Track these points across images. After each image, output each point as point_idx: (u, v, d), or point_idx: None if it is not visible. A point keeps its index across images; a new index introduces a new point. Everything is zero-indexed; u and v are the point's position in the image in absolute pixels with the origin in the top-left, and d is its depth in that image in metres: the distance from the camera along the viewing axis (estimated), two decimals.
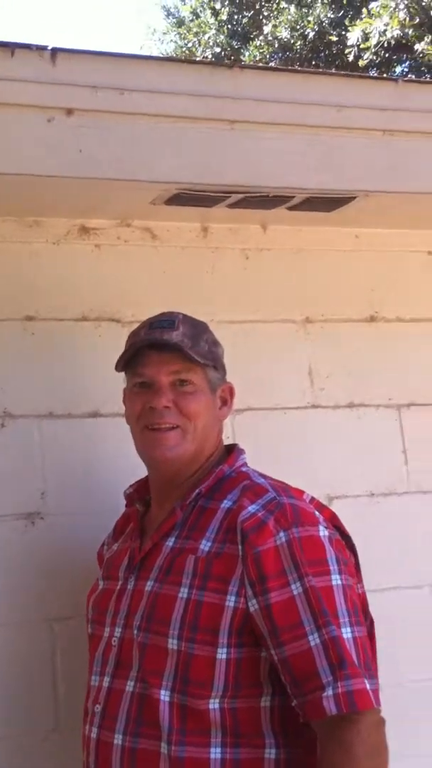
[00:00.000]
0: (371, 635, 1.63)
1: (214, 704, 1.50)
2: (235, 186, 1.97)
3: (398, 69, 10.43)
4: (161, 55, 11.48)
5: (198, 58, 11.28)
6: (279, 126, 1.95)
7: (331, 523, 1.63)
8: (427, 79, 8.21)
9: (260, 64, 10.18)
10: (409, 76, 9.94)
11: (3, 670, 1.91)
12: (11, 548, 1.95)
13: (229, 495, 1.60)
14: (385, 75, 9.41)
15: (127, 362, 1.71)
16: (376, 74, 9.66)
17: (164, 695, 1.51)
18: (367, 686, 1.45)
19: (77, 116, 1.82)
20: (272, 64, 11.15)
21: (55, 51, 1.80)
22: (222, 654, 1.50)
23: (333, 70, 8.80)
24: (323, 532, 1.55)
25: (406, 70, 10.38)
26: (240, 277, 2.23)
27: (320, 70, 7.78)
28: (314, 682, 1.45)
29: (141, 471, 1.77)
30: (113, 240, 2.14)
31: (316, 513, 1.60)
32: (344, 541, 1.64)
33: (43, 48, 1.79)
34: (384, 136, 2.04)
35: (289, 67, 7.79)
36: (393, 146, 2.05)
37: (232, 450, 1.73)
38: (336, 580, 1.51)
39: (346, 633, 1.47)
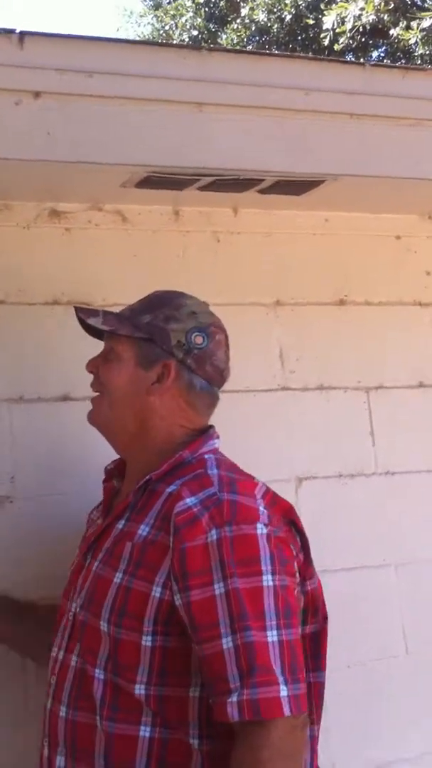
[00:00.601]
0: (322, 632, 1.62)
1: (140, 689, 1.49)
2: (204, 168, 1.97)
3: (374, 54, 10.43)
4: (129, 38, 11.42)
5: (173, 41, 11.23)
6: (247, 109, 1.95)
7: (286, 518, 1.57)
8: (395, 64, 8.22)
9: (228, 47, 10.15)
10: (385, 61, 9.94)
11: None
12: None
13: (178, 480, 1.56)
14: (360, 59, 9.41)
15: None
16: (352, 59, 9.66)
17: (98, 673, 1.53)
18: (281, 693, 1.39)
19: (45, 99, 1.80)
20: (249, 47, 11.10)
21: (22, 34, 1.78)
22: (147, 641, 1.48)
23: (302, 53, 8.80)
24: (261, 530, 1.48)
25: (382, 55, 10.38)
26: (211, 261, 2.24)
27: (288, 53, 7.76)
28: (222, 686, 1.41)
29: (111, 455, 1.78)
30: (84, 223, 2.13)
31: (261, 509, 1.52)
32: (299, 536, 1.59)
33: (10, 31, 1.78)
34: (352, 120, 2.04)
35: (258, 51, 7.76)
36: (361, 130, 2.05)
37: (202, 434, 1.69)
38: (267, 581, 1.45)
39: (271, 636, 1.42)
